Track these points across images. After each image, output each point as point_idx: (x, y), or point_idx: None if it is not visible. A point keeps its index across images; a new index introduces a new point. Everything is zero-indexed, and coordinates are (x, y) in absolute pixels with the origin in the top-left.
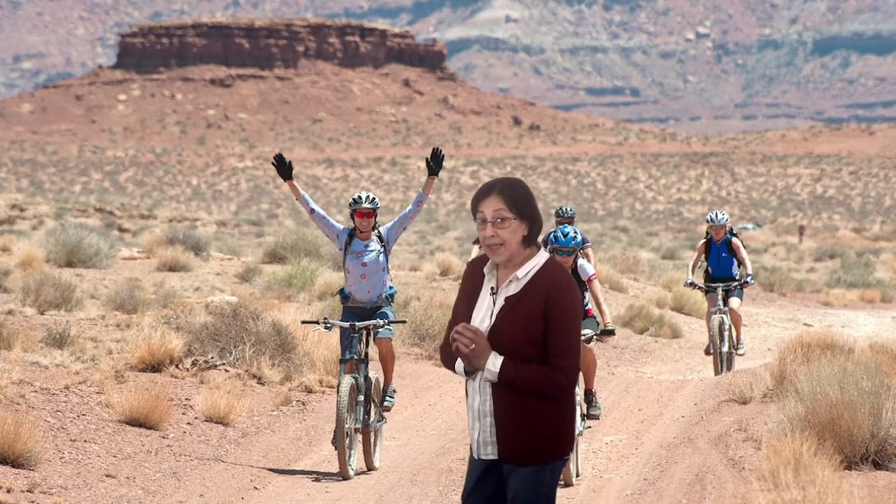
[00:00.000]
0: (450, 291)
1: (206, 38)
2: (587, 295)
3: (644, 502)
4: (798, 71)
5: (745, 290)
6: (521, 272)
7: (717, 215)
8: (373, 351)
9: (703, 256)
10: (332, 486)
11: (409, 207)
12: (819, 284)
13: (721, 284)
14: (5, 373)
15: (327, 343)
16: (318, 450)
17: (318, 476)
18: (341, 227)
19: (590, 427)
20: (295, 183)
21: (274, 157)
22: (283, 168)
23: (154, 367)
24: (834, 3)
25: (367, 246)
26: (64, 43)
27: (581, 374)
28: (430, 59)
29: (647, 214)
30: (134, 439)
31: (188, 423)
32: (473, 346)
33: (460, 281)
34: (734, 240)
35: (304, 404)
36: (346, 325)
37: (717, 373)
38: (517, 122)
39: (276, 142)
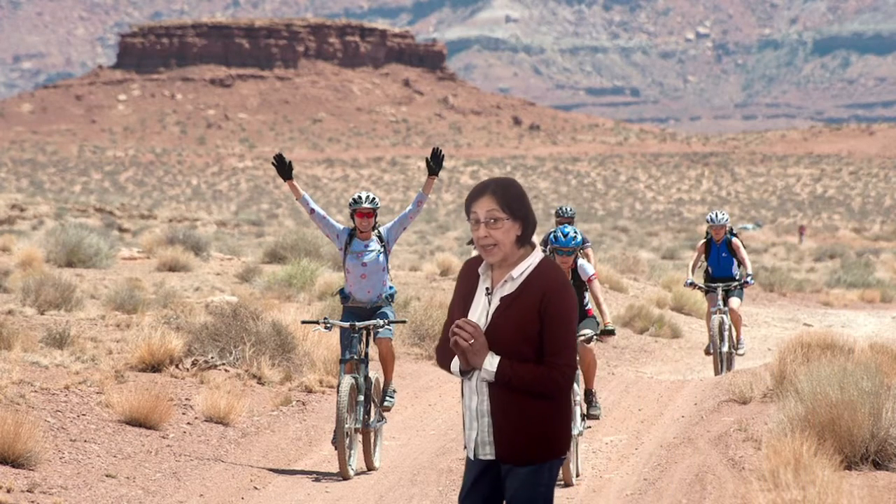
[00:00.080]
0: (450, 291)
1: (206, 38)
2: (587, 295)
3: (644, 502)
4: (798, 71)
5: (745, 290)
6: (515, 272)
7: (717, 215)
8: (373, 351)
9: (703, 256)
10: (332, 486)
11: (409, 207)
12: (819, 284)
13: (721, 284)
14: (5, 373)
15: (327, 343)
16: (318, 450)
17: (318, 476)
18: (341, 227)
19: (590, 427)
20: (295, 183)
21: (274, 157)
22: (283, 168)
23: (154, 367)
24: (834, 3)
25: (367, 246)
26: (64, 43)
27: (581, 374)
28: (430, 59)
29: (647, 214)
30: (134, 439)
31: (188, 423)
32: (473, 340)
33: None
34: (734, 240)
35: (304, 404)
36: (346, 325)
37: (717, 373)
38: (517, 122)
39: (276, 142)
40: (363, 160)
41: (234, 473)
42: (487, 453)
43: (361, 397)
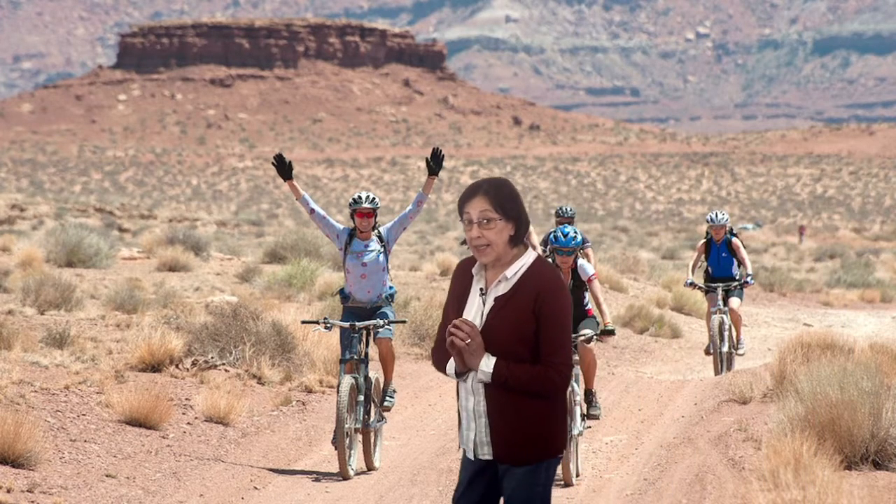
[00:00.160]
0: None
1: (206, 38)
2: (587, 295)
3: (644, 502)
4: (798, 71)
5: (745, 290)
6: (509, 272)
7: (717, 215)
8: (373, 351)
9: (703, 256)
10: (332, 486)
11: (409, 207)
12: (819, 284)
13: (721, 284)
14: (5, 373)
15: (327, 343)
16: (318, 450)
17: (318, 476)
18: (341, 227)
19: (590, 427)
20: (295, 183)
21: (274, 157)
22: (283, 168)
23: (154, 367)
24: (834, 3)
25: (367, 246)
26: (64, 43)
27: (581, 374)
28: (430, 59)
29: (647, 214)
30: (134, 439)
31: (188, 423)
32: (469, 340)
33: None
34: (734, 240)
35: (304, 404)
36: (346, 325)
37: (717, 373)
38: (517, 122)
39: (276, 142)
40: (363, 160)
41: (234, 473)
42: (486, 453)
43: (361, 397)
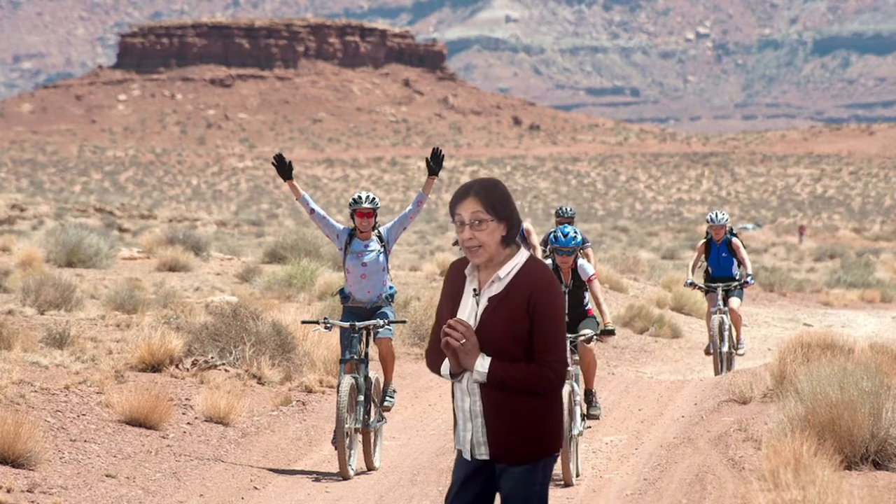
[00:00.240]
0: None
1: (206, 38)
2: (587, 295)
3: (644, 502)
4: (798, 71)
5: (745, 290)
6: (502, 272)
7: (716, 215)
8: (373, 351)
9: (703, 256)
10: (332, 486)
11: (409, 207)
12: (819, 284)
13: (721, 284)
14: (5, 373)
15: (327, 343)
16: (318, 450)
17: (318, 476)
18: (341, 227)
19: (590, 427)
20: (295, 183)
21: (274, 157)
22: (283, 168)
23: (154, 367)
24: (834, 3)
25: (367, 246)
26: (64, 43)
27: (581, 374)
28: (430, 59)
29: (647, 214)
30: (134, 439)
31: (188, 423)
32: (465, 340)
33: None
34: (734, 240)
35: (304, 404)
36: (346, 325)
37: (717, 373)
38: (517, 122)
39: (276, 142)
40: (363, 160)
41: (234, 473)
42: (483, 453)
43: (361, 397)
